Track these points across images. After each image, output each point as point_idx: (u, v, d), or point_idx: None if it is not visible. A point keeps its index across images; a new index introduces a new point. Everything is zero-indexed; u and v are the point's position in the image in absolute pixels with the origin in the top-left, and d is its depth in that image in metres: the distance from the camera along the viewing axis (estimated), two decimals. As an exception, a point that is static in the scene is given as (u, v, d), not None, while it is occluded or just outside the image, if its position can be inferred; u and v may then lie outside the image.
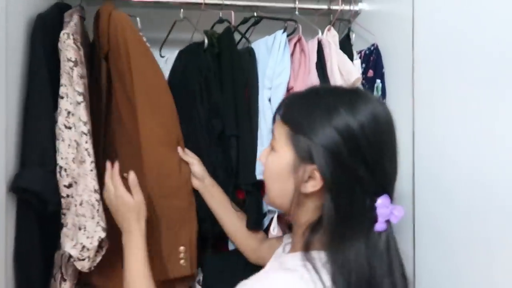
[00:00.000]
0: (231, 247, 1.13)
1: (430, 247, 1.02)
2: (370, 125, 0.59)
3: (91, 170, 0.88)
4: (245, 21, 1.26)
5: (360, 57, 1.29)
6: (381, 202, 0.59)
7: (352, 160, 0.58)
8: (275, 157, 0.66)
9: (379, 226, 0.59)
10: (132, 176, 0.88)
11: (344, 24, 1.39)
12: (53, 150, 0.89)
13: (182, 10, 1.20)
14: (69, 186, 0.89)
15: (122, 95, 1.01)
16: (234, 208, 1.04)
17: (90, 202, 0.88)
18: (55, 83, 0.90)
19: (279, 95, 1.08)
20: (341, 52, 1.20)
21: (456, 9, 0.92)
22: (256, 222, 1.05)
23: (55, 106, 0.90)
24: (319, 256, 0.60)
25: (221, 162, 1.09)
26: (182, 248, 0.96)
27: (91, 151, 0.88)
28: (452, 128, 0.93)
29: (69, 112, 0.89)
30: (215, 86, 1.12)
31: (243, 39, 1.24)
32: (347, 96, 0.63)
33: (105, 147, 1.05)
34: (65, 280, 0.92)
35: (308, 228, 0.63)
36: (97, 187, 0.89)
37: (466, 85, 0.89)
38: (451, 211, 0.93)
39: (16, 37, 0.89)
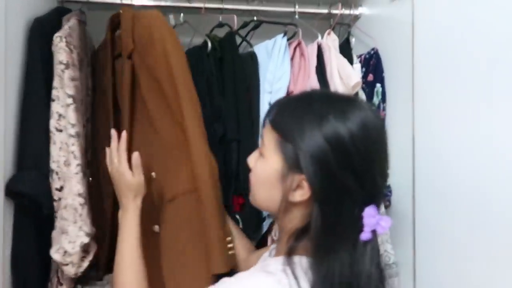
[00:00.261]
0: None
1: (430, 250, 1.02)
2: (360, 134, 0.57)
3: (76, 173, 0.86)
4: (245, 25, 1.25)
5: (360, 61, 1.27)
6: (368, 212, 0.58)
7: (341, 170, 0.57)
8: (264, 164, 0.64)
9: (365, 235, 0.57)
10: (135, 156, 0.85)
11: (344, 28, 1.37)
12: (48, 154, 0.88)
13: (182, 14, 1.20)
14: (61, 189, 0.88)
15: (152, 93, 0.98)
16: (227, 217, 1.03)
17: (73, 206, 0.86)
18: (52, 87, 0.89)
19: (279, 100, 1.08)
20: (341, 56, 1.19)
21: (455, 13, 0.91)
22: (256, 227, 1.04)
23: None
24: (301, 261, 0.59)
25: (222, 166, 1.08)
26: (229, 238, 0.95)
27: (77, 153, 0.87)
28: (452, 132, 0.92)
29: (60, 115, 0.87)
30: (217, 90, 1.11)
31: (243, 43, 1.24)
32: (339, 104, 0.61)
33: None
34: (61, 284, 0.91)
35: (293, 234, 0.61)
36: (81, 190, 0.87)
37: (466, 89, 0.88)
38: (451, 214, 0.93)
39: (15, 41, 0.89)
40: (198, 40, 1.20)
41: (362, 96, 1.22)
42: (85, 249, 0.87)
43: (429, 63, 1.01)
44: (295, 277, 0.57)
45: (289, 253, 0.60)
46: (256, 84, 1.13)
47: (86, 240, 0.85)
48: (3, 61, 0.83)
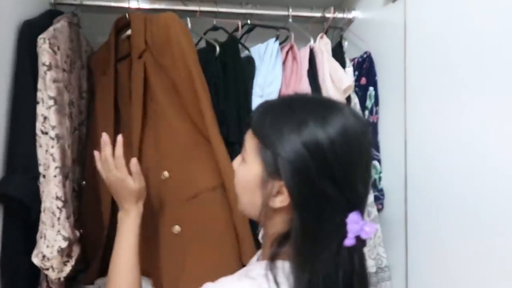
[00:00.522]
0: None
1: (422, 253, 1.01)
2: (340, 141, 0.56)
3: (55, 176, 0.84)
4: (237, 29, 1.25)
5: (353, 65, 1.25)
6: (351, 218, 0.56)
7: (320, 177, 0.55)
8: (245, 169, 0.63)
9: (348, 241, 0.56)
10: (134, 163, 0.84)
11: (338, 32, 1.37)
12: (36, 156, 0.86)
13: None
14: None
15: (167, 93, 0.98)
16: None
17: (51, 210, 0.84)
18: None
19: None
20: (333, 59, 1.18)
21: (447, 17, 0.91)
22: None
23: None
24: (283, 266, 0.58)
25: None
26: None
27: (56, 156, 0.85)
28: (444, 135, 0.92)
29: (45, 117, 0.86)
30: (223, 93, 1.11)
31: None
32: (319, 110, 0.59)
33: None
34: (50, 288, 0.88)
35: (276, 240, 0.60)
36: (60, 194, 0.84)
37: (457, 93, 0.88)
38: (443, 217, 0.92)
39: (4, 43, 0.88)
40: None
41: (355, 99, 1.22)
42: (67, 253, 0.85)
43: (421, 66, 1.01)
44: (276, 283, 0.56)
45: (272, 258, 0.59)
46: (251, 88, 1.13)
47: (64, 244, 0.83)
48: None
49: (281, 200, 0.58)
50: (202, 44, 1.21)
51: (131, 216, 0.83)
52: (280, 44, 1.17)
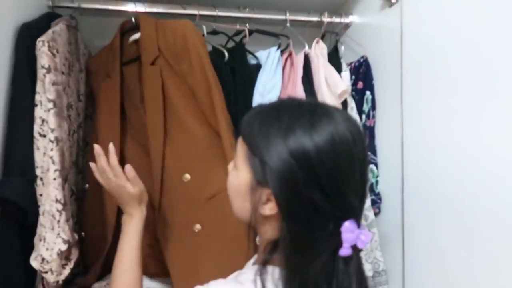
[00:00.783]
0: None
1: (419, 257, 1.01)
2: (328, 149, 0.53)
3: (54, 179, 0.84)
4: (237, 33, 1.25)
5: (350, 69, 1.25)
6: (347, 227, 0.54)
7: (308, 186, 0.53)
8: (235, 175, 0.62)
9: (344, 251, 0.54)
10: (128, 169, 0.84)
11: (335, 36, 1.38)
12: (33, 159, 0.85)
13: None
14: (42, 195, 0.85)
15: (185, 98, 1.00)
16: None
17: (51, 213, 0.83)
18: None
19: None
20: (328, 64, 1.18)
21: (444, 22, 0.91)
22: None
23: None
24: (273, 272, 0.57)
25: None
26: None
27: (56, 159, 0.84)
28: (440, 139, 0.92)
29: (43, 120, 0.85)
30: (233, 98, 1.12)
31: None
32: (308, 116, 0.56)
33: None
34: (46, 292, 0.87)
35: (267, 246, 0.59)
36: (59, 196, 0.84)
37: (454, 97, 0.88)
38: (440, 221, 0.92)
39: (2, 46, 0.87)
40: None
41: (352, 103, 1.22)
42: (65, 256, 0.84)
43: (417, 70, 1.01)
44: None
45: (263, 264, 0.58)
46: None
47: (63, 247, 0.82)
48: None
49: (271, 208, 0.57)
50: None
51: (134, 219, 0.84)
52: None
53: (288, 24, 1.26)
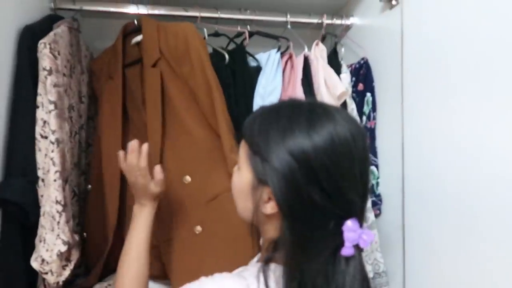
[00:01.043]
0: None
1: (420, 258, 1.01)
2: (327, 149, 0.54)
3: (55, 180, 0.84)
4: (238, 35, 1.25)
5: (350, 71, 1.25)
6: (349, 226, 0.54)
7: (307, 185, 0.53)
8: (238, 176, 0.63)
9: (346, 251, 0.54)
10: (158, 170, 0.85)
11: (334, 38, 1.38)
12: (35, 161, 0.86)
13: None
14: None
15: (187, 101, 1.00)
16: None
17: (51, 214, 0.83)
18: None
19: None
20: (328, 66, 1.17)
21: (443, 23, 0.91)
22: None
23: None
24: (275, 270, 0.57)
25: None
26: None
27: (56, 160, 0.84)
28: (441, 140, 0.92)
29: (45, 122, 0.85)
30: (234, 100, 1.12)
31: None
32: (307, 116, 0.57)
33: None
34: (48, 292, 0.87)
35: (270, 245, 0.59)
36: (59, 198, 0.84)
37: (454, 98, 0.88)
38: (440, 222, 0.92)
39: (5, 48, 0.87)
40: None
41: (352, 105, 1.22)
42: (66, 257, 0.84)
43: (418, 72, 1.01)
44: (267, 286, 0.55)
45: (266, 262, 0.59)
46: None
47: (63, 248, 0.82)
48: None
49: (272, 207, 0.57)
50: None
51: (146, 211, 0.84)
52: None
53: (289, 26, 1.26)
